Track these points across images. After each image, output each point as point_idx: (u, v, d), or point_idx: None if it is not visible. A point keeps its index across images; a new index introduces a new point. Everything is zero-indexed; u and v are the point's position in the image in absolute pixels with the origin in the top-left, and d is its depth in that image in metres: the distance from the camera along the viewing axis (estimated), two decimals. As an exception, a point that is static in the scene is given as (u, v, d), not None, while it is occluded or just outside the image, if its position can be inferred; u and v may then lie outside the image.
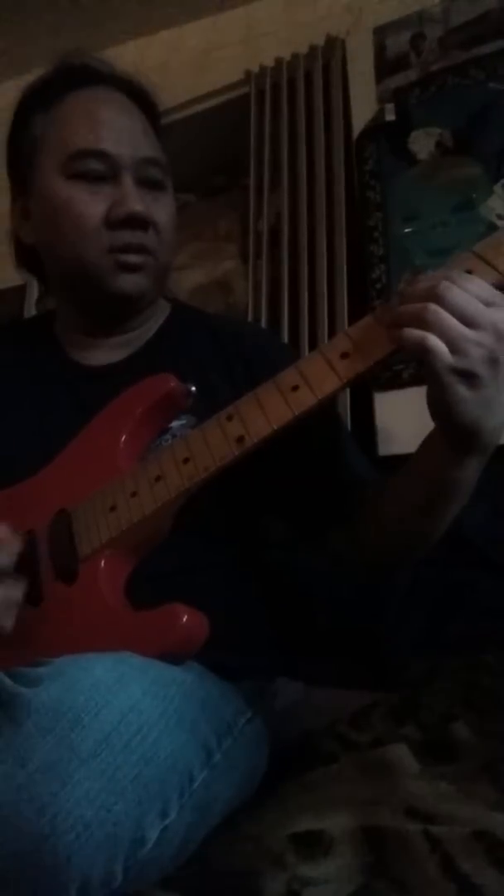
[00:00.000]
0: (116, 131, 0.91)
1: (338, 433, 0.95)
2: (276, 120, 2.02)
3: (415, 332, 0.63)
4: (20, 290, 2.23)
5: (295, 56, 2.02)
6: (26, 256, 1.02)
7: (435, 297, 0.63)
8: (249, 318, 1.93)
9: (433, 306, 0.63)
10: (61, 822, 0.50)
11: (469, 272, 0.66)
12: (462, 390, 0.63)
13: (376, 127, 1.90)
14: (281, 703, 0.98)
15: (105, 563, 0.76)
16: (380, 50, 1.95)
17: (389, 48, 1.94)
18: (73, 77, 0.95)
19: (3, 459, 0.92)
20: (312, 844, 0.61)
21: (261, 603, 0.95)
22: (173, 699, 0.63)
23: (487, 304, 0.63)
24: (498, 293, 0.64)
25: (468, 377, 0.63)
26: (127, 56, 2.14)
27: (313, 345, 1.80)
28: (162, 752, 0.58)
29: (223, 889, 0.60)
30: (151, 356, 0.97)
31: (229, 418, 0.74)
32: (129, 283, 0.92)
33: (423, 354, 0.63)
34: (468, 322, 0.63)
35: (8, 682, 0.57)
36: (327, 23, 1.99)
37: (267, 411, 0.72)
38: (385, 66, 1.94)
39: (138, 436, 0.84)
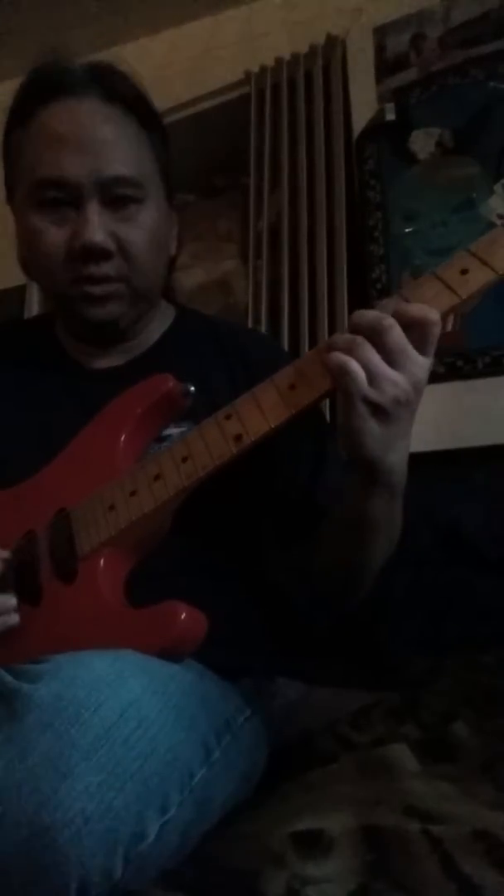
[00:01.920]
0: (78, 152, 0.85)
1: (323, 451, 0.95)
2: (276, 120, 2.02)
3: (340, 356, 0.67)
4: (20, 291, 2.24)
5: (295, 56, 2.02)
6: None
7: (374, 333, 0.67)
8: (249, 318, 1.94)
9: (360, 339, 0.67)
10: (61, 815, 0.50)
11: (465, 271, 0.68)
12: (371, 422, 0.68)
13: (376, 127, 1.91)
14: (281, 703, 0.98)
15: (104, 562, 0.76)
16: (380, 50, 1.96)
17: (389, 48, 1.95)
18: (45, 89, 0.88)
19: (3, 459, 0.92)
20: (312, 844, 0.61)
21: (260, 602, 0.95)
22: (172, 696, 0.63)
23: (421, 351, 0.67)
24: (433, 344, 0.68)
25: (378, 411, 0.67)
26: (127, 56, 2.14)
27: (313, 345, 1.80)
28: (161, 747, 0.58)
29: (223, 887, 0.60)
30: (154, 361, 0.96)
31: (227, 417, 0.75)
32: (100, 313, 0.90)
33: (341, 377, 0.67)
34: (392, 362, 0.66)
35: (8, 678, 0.57)
36: (327, 23, 2.00)
37: (265, 410, 0.73)
38: (385, 66, 1.95)
39: (137, 436, 0.84)
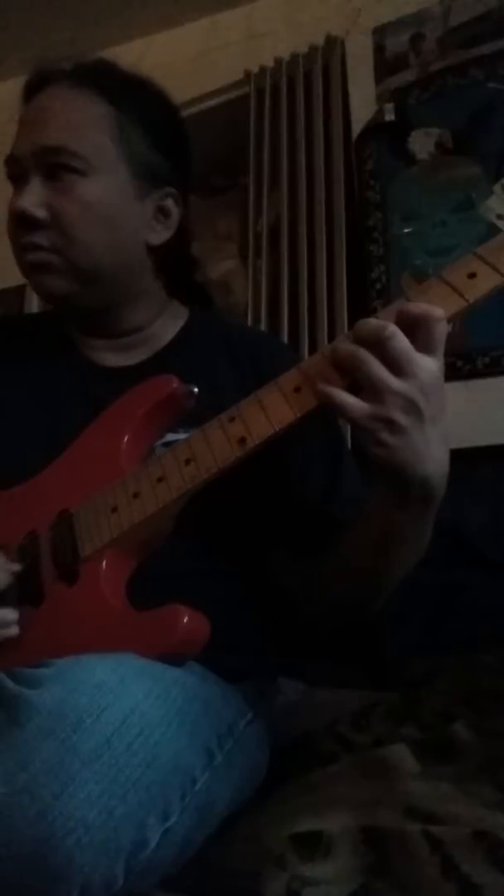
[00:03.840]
0: (26, 129, 0.91)
1: (339, 463, 0.95)
2: (276, 120, 2.02)
3: (329, 390, 0.68)
4: (20, 290, 2.23)
5: (295, 56, 2.02)
6: None
7: (376, 342, 0.66)
8: (249, 318, 1.94)
9: (362, 353, 0.67)
10: (63, 824, 0.50)
11: (472, 275, 0.67)
12: (383, 435, 0.67)
13: (376, 127, 1.91)
14: (281, 703, 0.98)
15: (107, 564, 0.76)
16: (379, 50, 1.96)
17: (389, 48, 1.95)
18: (29, 87, 0.95)
19: (9, 457, 0.91)
20: (312, 844, 0.61)
21: (262, 605, 0.95)
22: (175, 701, 0.63)
23: (428, 351, 0.67)
24: (440, 343, 0.67)
25: (388, 423, 0.66)
26: (127, 56, 2.13)
27: (313, 344, 1.81)
28: (164, 754, 0.58)
29: (223, 889, 0.60)
30: (165, 361, 0.95)
31: (231, 420, 0.74)
32: (39, 284, 0.92)
33: (334, 409, 0.68)
34: (397, 370, 0.66)
35: (10, 683, 0.57)
36: (327, 23, 2.00)
37: (269, 412, 0.72)
38: (385, 66, 1.95)
39: (141, 437, 0.84)
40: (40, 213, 0.88)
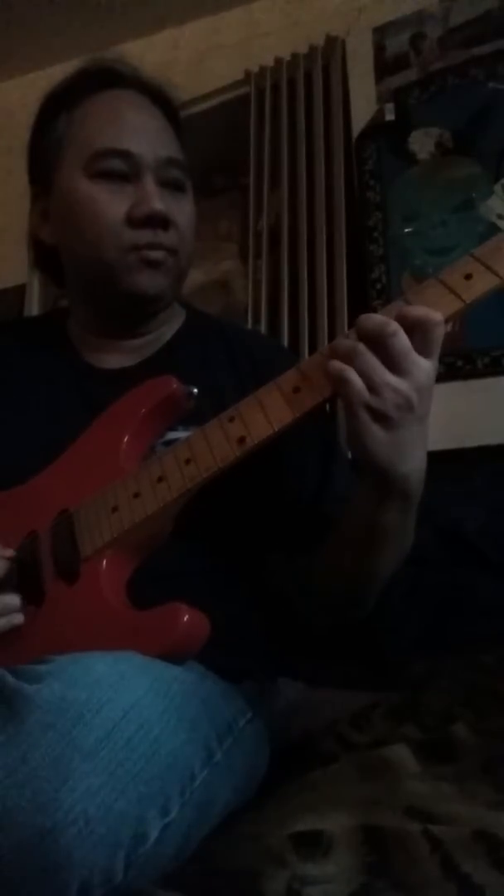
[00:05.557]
0: (139, 131, 0.92)
1: (332, 461, 0.96)
2: (276, 120, 2.02)
3: (339, 365, 0.69)
4: (20, 290, 2.23)
5: (295, 56, 2.02)
6: (44, 258, 1.03)
7: (378, 337, 0.67)
8: (249, 318, 1.94)
9: (361, 347, 0.68)
10: (63, 817, 0.50)
11: (469, 276, 0.68)
12: (375, 428, 0.68)
13: (376, 127, 1.90)
14: (281, 703, 0.98)
15: (107, 563, 0.76)
16: (379, 50, 1.96)
17: (389, 48, 1.95)
18: (96, 79, 0.96)
19: (10, 458, 0.92)
20: (313, 844, 0.61)
21: (262, 604, 0.96)
22: (174, 697, 0.63)
23: (424, 353, 0.68)
24: (437, 346, 0.68)
25: (380, 417, 0.68)
26: (127, 56, 2.14)
27: (313, 345, 1.81)
28: (163, 749, 0.58)
29: (223, 888, 0.60)
30: (165, 362, 0.96)
31: (231, 419, 0.75)
32: (149, 280, 0.92)
33: (340, 385, 0.68)
34: (394, 367, 0.67)
35: (10, 678, 0.57)
36: (327, 23, 2.00)
37: (268, 412, 0.73)
38: (385, 65, 1.95)
39: (141, 437, 0.84)
40: (170, 216, 0.91)
